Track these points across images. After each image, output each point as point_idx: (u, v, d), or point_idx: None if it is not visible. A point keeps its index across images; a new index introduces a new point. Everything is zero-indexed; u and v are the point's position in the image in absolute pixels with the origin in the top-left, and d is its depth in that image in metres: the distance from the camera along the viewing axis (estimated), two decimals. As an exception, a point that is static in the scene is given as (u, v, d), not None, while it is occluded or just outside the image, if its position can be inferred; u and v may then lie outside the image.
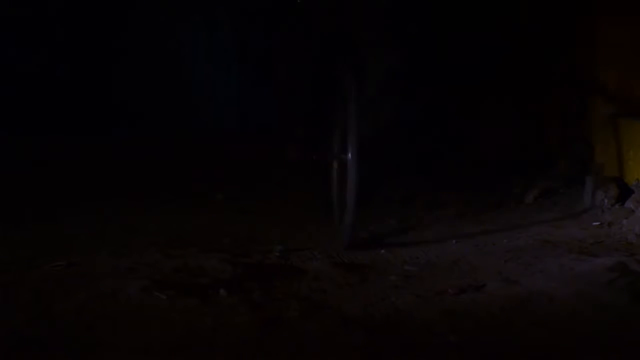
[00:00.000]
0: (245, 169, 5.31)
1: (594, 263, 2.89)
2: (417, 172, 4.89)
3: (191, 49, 7.12)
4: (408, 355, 2.15)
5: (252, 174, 5.17)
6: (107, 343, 2.19)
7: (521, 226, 3.77)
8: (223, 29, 7.07)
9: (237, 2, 6.99)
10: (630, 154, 3.96)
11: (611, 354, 2.14)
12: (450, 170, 4.97)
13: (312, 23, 3.81)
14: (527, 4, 5.21)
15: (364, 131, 3.27)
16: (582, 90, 4.50)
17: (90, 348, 2.17)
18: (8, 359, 2.12)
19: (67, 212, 4.07)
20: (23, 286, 2.67)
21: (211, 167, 5.37)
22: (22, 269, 2.89)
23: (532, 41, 5.15)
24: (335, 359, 2.14)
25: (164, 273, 2.81)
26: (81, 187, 4.72)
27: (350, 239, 3.41)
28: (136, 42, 7.02)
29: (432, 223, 3.97)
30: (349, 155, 3.29)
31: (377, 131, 3.84)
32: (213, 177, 5.07)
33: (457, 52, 6.18)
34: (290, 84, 4.02)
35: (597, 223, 3.68)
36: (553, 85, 4.85)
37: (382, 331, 2.32)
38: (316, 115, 3.92)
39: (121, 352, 2.15)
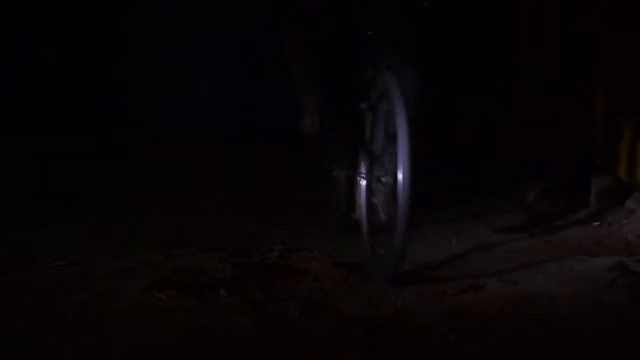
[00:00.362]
0: (245, 169, 5.31)
1: (594, 263, 2.89)
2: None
3: (191, 49, 7.12)
4: (408, 355, 2.15)
5: (252, 174, 5.17)
6: (107, 343, 2.20)
7: (521, 226, 3.77)
8: (223, 28, 7.08)
9: (237, 1, 7.00)
10: (630, 154, 3.96)
11: (611, 354, 2.14)
12: (449, 170, 4.97)
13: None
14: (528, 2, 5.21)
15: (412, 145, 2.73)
16: (583, 90, 4.50)
17: (91, 348, 2.17)
18: (8, 359, 2.12)
19: (67, 212, 4.06)
20: (23, 286, 2.67)
21: (211, 167, 5.36)
22: (22, 269, 2.90)
23: (533, 40, 5.15)
24: (335, 359, 2.14)
25: (164, 273, 2.81)
26: (81, 187, 4.71)
27: (397, 269, 2.81)
28: (136, 41, 7.02)
29: (432, 223, 3.97)
30: (400, 173, 2.71)
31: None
32: (213, 177, 5.07)
33: (458, 52, 6.18)
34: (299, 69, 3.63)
35: (597, 223, 3.68)
36: (554, 85, 4.85)
37: (382, 331, 2.32)
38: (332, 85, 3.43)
39: (121, 352, 2.15)
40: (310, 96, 3.41)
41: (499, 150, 5.17)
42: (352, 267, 3.07)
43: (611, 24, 4.23)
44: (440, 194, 4.56)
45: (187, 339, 2.23)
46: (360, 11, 3.34)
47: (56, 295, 2.55)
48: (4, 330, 2.27)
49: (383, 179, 3.00)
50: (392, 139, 2.88)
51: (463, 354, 2.15)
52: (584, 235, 3.48)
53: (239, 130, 6.80)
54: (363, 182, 3.17)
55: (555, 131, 4.79)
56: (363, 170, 3.18)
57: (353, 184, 3.33)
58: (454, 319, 2.40)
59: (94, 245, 3.36)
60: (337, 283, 2.84)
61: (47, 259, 3.01)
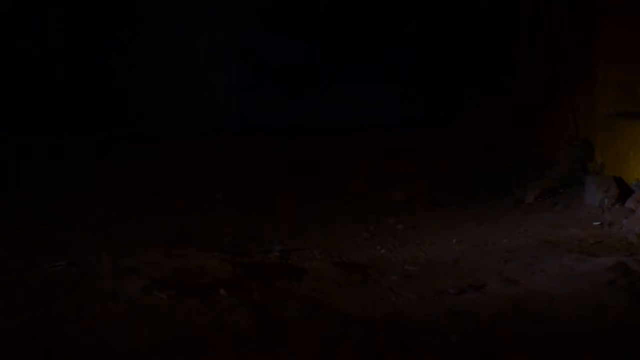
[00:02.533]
0: (245, 169, 5.31)
1: (594, 263, 2.89)
2: (417, 171, 4.90)
3: (191, 49, 7.12)
4: (408, 355, 2.15)
5: (252, 174, 5.17)
6: (107, 343, 2.20)
7: (521, 226, 3.77)
8: (223, 28, 7.08)
9: (237, 1, 7.00)
10: (630, 154, 3.96)
11: (611, 354, 2.14)
12: (450, 170, 4.97)
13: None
14: (527, 4, 5.22)
15: None
16: (582, 90, 4.50)
17: (91, 348, 2.17)
18: (8, 359, 2.12)
19: (67, 212, 4.06)
20: (23, 286, 2.67)
21: (211, 167, 5.36)
22: (22, 269, 2.90)
23: (531, 41, 5.16)
24: (335, 359, 2.14)
25: (164, 273, 2.81)
26: (81, 186, 4.71)
27: None
28: (137, 42, 7.03)
29: (432, 223, 3.97)
30: None
31: None
32: (213, 177, 5.06)
33: (457, 51, 6.18)
34: None
35: (597, 223, 3.68)
36: (553, 86, 4.85)
37: (382, 331, 2.32)
38: None
39: (122, 352, 2.15)
40: None
41: (498, 149, 5.18)
42: (352, 267, 3.07)
43: (609, 23, 4.24)
44: (439, 193, 4.57)
45: (187, 339, 2.23)
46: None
47: (56, 295, 2.55)
48: (4, 330, 2.27)
49: None
50: None
51: (463, 353, 2.15)
52: (584, 235, 3.47)
53: (239, 130, 6.80)
54: None
55: (555, 131, 4.80)
56: None
57: None
58: (454, 318, 2.40)
59: (94, 245, 3.36)
60: (337, 283, 2.84)
61: (47, 259, 3.01)
